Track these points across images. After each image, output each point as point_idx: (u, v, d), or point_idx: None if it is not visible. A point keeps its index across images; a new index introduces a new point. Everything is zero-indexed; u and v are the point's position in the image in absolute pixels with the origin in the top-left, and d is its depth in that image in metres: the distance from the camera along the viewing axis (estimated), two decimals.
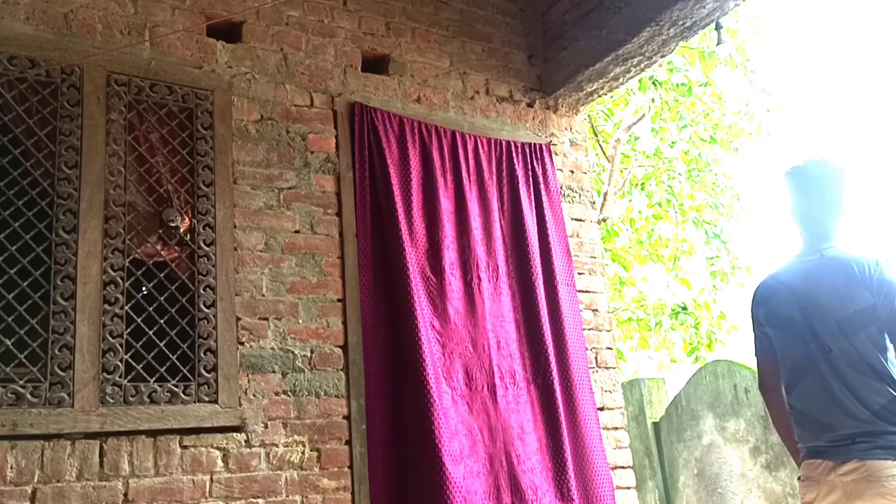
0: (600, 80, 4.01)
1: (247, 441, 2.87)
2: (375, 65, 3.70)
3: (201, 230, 3.00)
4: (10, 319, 2.63)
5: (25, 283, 2.67)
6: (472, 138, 3.77)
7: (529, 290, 3.64)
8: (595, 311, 3.96)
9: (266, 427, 2.92)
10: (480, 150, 3.77)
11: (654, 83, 7.98)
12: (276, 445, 2.92)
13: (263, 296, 3.06)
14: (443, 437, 3.05)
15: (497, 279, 3.59)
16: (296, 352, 3.06)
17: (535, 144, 3.98)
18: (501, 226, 3.71)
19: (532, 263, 3.68)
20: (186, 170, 3.05)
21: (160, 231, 2.96)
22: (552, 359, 3.55)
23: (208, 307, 2.92)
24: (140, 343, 2.80)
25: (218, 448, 2.81)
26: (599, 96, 4.26)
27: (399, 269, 3.28)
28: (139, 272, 2.88)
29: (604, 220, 7.99)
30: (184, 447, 2.75)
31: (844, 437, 2.31)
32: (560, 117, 4.22)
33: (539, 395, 3.49)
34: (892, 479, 2.20)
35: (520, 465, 3.27)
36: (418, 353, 3.15)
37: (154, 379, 2.78)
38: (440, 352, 3.28)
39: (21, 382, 2.57)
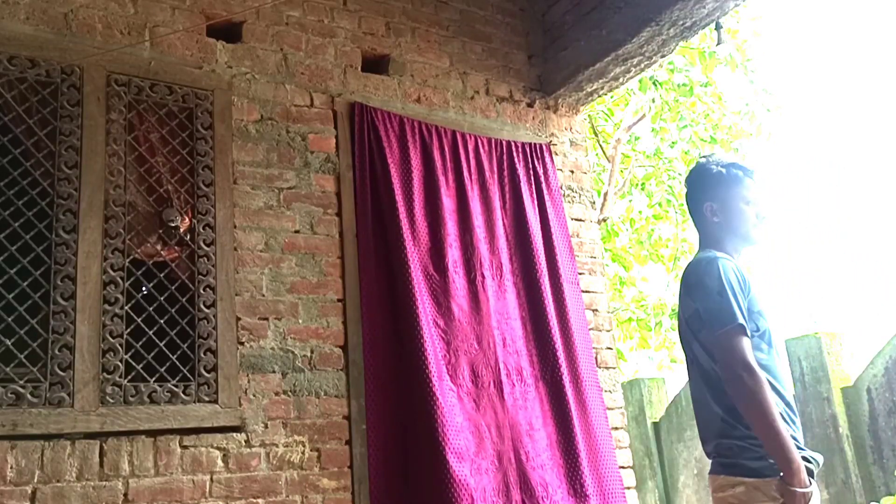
0: (600, 80, 4.01)
1: (247, 441, 2.87)
2: (375, 65, 3.70)
3: (201, 230, 3.00)
4: (10, 319, 2.63)
5: (25, 283, 2.67)
6: (473, 138, 3.77)
7: (535, 287, 3.64)
8: (595, 311, 3.96)
9: (266, 427, 2.92)
10: (481, 150, 3.77)
11: (654, 83, 7.97)
12: (276, 445, 2.92)
13: (263, 296, 3.06)
14: (447, 435, 3.05)
15: (501, 277, 3.59)
16: (296, 352, 3.06)
17: (535, 144, 3.98)
18: (504, 224, 3.72)
19: (536, 261, 3.68)
20: (186, 170, 3.05)
21: (160, 231, 2.96)
22: (560, 356, 3.55)
23: (208, 307, 2.92)
24: (140, 343, 2.80)
25: (218, 448, 2.81)
26: (599, 96, 4.26)
27: (401, 268, 3.28)
28: (139, 272, 2.88)
29: (604, 220, 7.98)
30: (184, 447, 2.75)
31: (708, 452, 2.35)
32: (560, 117, 4.22)
33: (548, 391, 3.49)
34: (722, 493, 2.20)
35: (529, 462, 3.27)
36: (420, 350, 3.15)
37: (154, 379, 2.78)
38: (444, 349, 3.28)
39: (21, 382, 2.57)
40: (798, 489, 2.07)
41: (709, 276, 2.26)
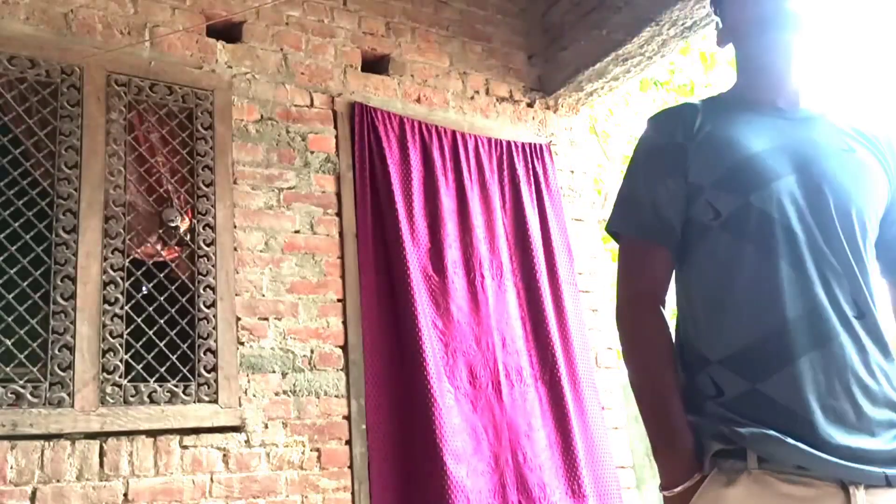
0: (600, 80, 4.01)
1: (247, 441, 2.87)
2: (375, 65, 3.70)
3: (201, 230, 3.00)
4: (10, 319, 2.63)
5: (25, 283, 2.67)
6: (473, 138, 3.77)
7: (534, 288, 3.64)
8: (595, 311, 3.96)
9: (266, 427, 2.92)
10: (481, 150, 3.77)
11: (654, 83, 7.97)
12: (276, 445, 2.92)
13: (263, 296, 3.06)
14: (444, 436, 3.05)
15: (501, 277, 3.59)
16: (296, 352, 3.06)
17: (535, 144, 3.98)
18: (504, 224, 3.72)
19: (535, 262, 3.68)
20: (186, 170, 3.05)
21: (160, 231, 2.96)
22: (559, 356, 3.55)
23: (208, 307, 2.92)
24: (140, 343, 2.80)
25: (218, 448, 2.81)
26: (599, 96, 4.25)
27: (400, 269, 3.28)
28: (139, 272, 2.88)
29: (604, 220, 7.99)
30: (184, 447, 2.75)
31: None
32: (560, 117, 4.22)
33: (547, 392, 3.49)
34: None
35: (526, 464, 3.27)
36: (419, 351, 3.15)
37: (154, 379, 2.78)
38: (443, 350, 3.28)
39: (21, 382, 2.57)
40: (663, 492, 1.28)
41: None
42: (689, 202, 1.33)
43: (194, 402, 2.81)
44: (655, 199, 1.36)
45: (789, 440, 1.15)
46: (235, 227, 3.08)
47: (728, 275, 1.28)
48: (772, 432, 1.16)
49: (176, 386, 2.80)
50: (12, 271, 2.66)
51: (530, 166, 3.90)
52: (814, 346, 1.19)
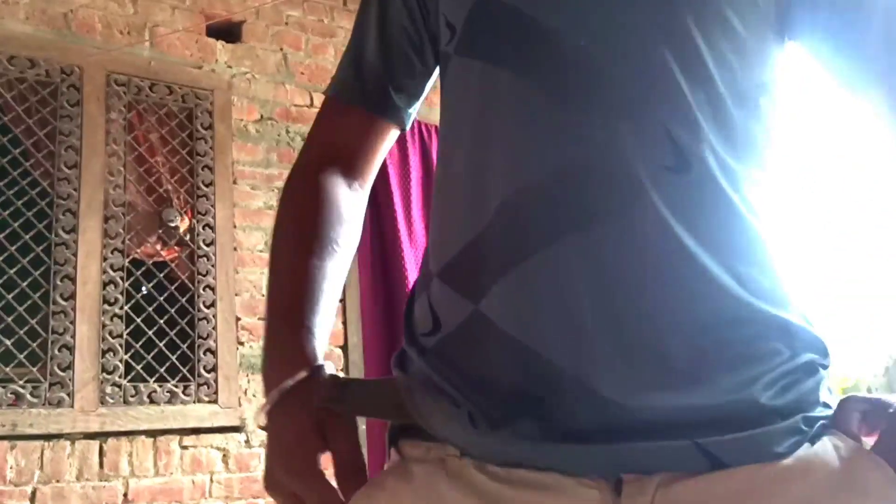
0: None
1: (247, 441, 2.87)
2: None
3: (201, 230, 3.00)
4: (10, 319, 2.63)
5: (25, 283, 2.67)
6: None
7: None
8: None
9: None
10: None
11: None
12: None
13: (263, 296, 3.06)
14: None
15: None
16: None
17: None
18: None
19: None
20: (186, 170, 3.05)
21: (160, 231, 2.96)
22: None
23: (208, 307, 2.92)
24: (140, 343, 2.80)
25: (218, 448, 2.81)
26: None
27: (397, 270, 3.28)
28: (139, 272, 2.88)
29: None
30: (184, 447, 2.75)
31: None
32: None
33: None
34: None
35: None
36: None
37: (154, 379, 2.79)
38: None
39: (21, 382, 2.57)
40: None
41: None
42: (436, 28, 0.82)
43: (194, 402, 2.81)
44: (362, 42, 0.89)
45: (493, 432, 0.63)
46: (235, 227, 3.08)
47: (459, 124, 0.75)
48: (466, 416, 0.65)
49: (176, 386, 2.80)
50: (12, 271, 2.66)
51: None
52: (580, 228, 0.62)
